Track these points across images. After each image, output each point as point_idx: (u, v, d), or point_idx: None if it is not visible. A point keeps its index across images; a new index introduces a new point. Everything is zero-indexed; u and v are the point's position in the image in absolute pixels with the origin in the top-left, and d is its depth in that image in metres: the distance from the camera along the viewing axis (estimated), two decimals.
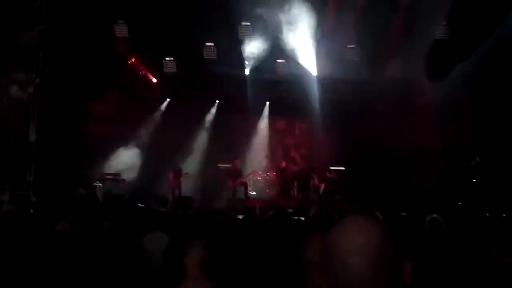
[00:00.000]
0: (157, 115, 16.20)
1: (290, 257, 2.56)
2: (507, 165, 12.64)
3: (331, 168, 14.93)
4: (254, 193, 15.52)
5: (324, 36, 14.80)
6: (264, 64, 15.70)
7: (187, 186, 14.52)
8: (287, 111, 16.69)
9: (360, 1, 14.14)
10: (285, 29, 14.83)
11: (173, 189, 14.29)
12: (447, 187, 13.40)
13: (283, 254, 3.19)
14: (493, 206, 11.41)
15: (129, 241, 4.35)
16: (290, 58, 15.50)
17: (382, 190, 13.86)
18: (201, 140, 15.88)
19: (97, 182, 14.06)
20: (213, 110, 16.59)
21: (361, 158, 15.07)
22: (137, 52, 15.15)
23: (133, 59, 15.62)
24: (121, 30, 14.72)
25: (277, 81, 16.19)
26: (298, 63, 15.60)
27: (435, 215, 5.86)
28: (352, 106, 15.65)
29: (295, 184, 15.55)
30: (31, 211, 7.12)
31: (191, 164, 14.97)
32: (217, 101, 16.58)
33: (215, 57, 15.33)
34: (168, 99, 16.48)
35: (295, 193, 15.49)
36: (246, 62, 15.86)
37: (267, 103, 16.83)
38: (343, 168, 15.27)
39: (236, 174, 14.84)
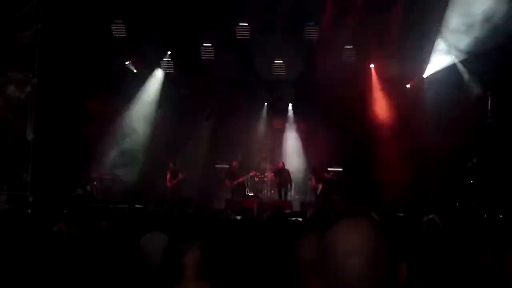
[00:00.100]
0: (155, 116, 16.17)
1: (288, 258, 2.56)
2: (504, 167, 12.66)
3: (329, 168, 14.94)
4: (252, 193, 15.52)
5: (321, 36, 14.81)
6: (262, 64, 15.71)
7: (185, 187, 14.50)
8: (285, 112, 16.69)
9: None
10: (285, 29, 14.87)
11: (171, 190, 14.28)
12: (445, 188, 13.42)
13: (280, 255, 3.19)
14: (490, 207, 11.45)
15: (127, 241, 4.35)
16: (288, 58, 15.52)
17: (379, 191, 13.90)
18: (199, 140, 15.86)
19: (95, 182, 14.03)
20: (212, 110, 16.56)
21: (359, 159, 15.08)
22: (135, 52, 15.11)
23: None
24: (118, 30, 14.71)
25: (276, 82, 16.19)
26: (296, 64, 15.62)
27: (432, 216, 5.88)
28: (350, 106, 15.68)
29: (292, 184, 15.55)
30: (28, 211, 7.12)
31: (189, 165, 14.94)
32: (216, 102, 16.56)
33: (213, 57, 15.35)
34: (166, 99, 16.44)
35: (293, 193, 15.49)
36: (244, 63, 15.85)
37: (265, 103, 16.83)
38: (340, 169, 15.28)
39: (234, 174, 14.84)
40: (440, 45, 14.34)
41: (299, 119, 16.84)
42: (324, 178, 14.44)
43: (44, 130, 12.93)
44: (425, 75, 15.07)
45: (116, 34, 14.71)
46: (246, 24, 14.84)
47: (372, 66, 15.69)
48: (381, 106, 15.32)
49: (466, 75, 14.33)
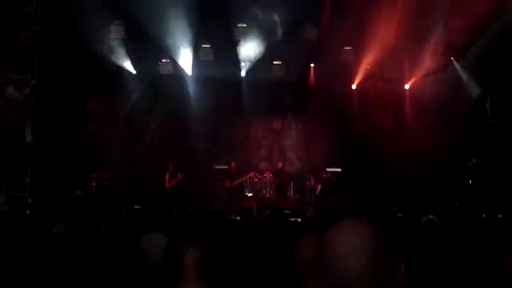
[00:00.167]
0: (154, 116, 16.16)
1: (287, 258, 2.57)
2: (503, 167, 12.69)
3: (328, 169, 14.95)
4: (251, 194, 15.53)
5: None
6: (261, 65, 15.72)
7: (184, 187, 14.49)
8: (283, 112, 16.69)
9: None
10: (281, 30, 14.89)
11: (170, 190, 14.27)
12: (444, 188, 13.44)
13: (279, 255, 3.20)
14: (489, 207, 11.47)
15: (126, 242, 4.35)
16: (287, 59, 15.54)
17: (379, 191, 13.90)
18: (198, 141, 15.85)
19: (94, 183, 14.02)
20: (211, 111, 16.55)
21: (358, 159, 15.10)
22: (134, 53, 15.11)
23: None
24: (117, 31, 14.71)
25: (274, 82, 16.20)
26: (295, 65, 15.64)
27: (431, 216, 5.88)
28: (348, 106, 15.70)
29: (292, 185, 15.56)
30: (27, 212, 7.11)
31: (188, 165, 14.93)
32: (214, 102, 16.55)
33: (212, 58, 15.36)
34: (165, 100, 16.42)
35: (291, 194, 15.50)
36: (242, 64, 15.88)
37: (264, 104, 16.82)
38: (339, 170, 15.30)
39: (233, 175, 14.84)
40: (439, 45, 14.37)
41: (298, 119, 16.85)
42: (323, 179, 14.44)
43: (43, 131, 12.92)
44: (424, 75, 15.10)
45: (115, 35, 14.72)
46: (245, 25, 14.85)
47: (370, 66, 15.69)
48: (380, 107, 15.32)
49: (465, 75, 14.36)
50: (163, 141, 15.19)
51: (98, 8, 13.56)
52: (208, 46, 15.37)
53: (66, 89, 13.35)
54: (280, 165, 15.25)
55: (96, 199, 13.37)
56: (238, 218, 6.79)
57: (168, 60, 15.71)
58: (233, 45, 15.28)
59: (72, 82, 13.54)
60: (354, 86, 15.90)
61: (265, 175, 15.68)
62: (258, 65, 15.79)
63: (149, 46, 14.89)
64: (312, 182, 14.51)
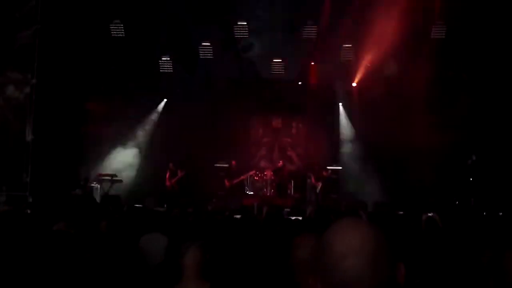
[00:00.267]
0: (154, 115, 16.17)
1: (286, 257, 2.57)
2: (503, 164, 12.68)
3: (328, 167, 14.95)
4: (251, 192, 15.55)
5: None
6: (260, 63, 15.72)
7: (184, 186, 14.51)
8: (283, 110, 16.69)
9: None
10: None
11: (170, 189, 14.29)
12: (444, 186, 13.44)
13: (279, 254, 3.20)
14: (489, 205, 11.47)
15: (126, 241, 4.35)
16: (287, 57, 15.53)
17: (379, 189, 13.91)
18: (198, 139, 15.86)
19: (94, 182, 14.03)
20: (210, 110, 16.56)
21: (359, 157, 15.12)
22: (133, 52, 15.10)
23: None
24: (116, 30, 14.71)
25: (274, 80, 16.19)
26: (295, 63, 15.64)
27: (431, 214, 5.89)
28: (348, 105, 15.72)
29: (292, 183, 15.57)
30: (28, 212, 7.12)
31: (188, 164, 14.94)
32: (214, 101, 16.56)
33: (212, 56, 15.35)
34: (165, 99, 16.44)
35: (292, 192, 15.51)
36: (242, 62, 15.88)
37: (264, 102, 16.82)
38: (340, 167, 15.30)
39: (233, 173, 14.85)
40: (439, 44, 14.35)
41: (298, 118, 16.85)
42: (324, 177, 14.44)
43: (43, 131, 12.93)
44: (424, 74, 15.07)
45: (114, 34, 14.72)
46: (245, 23, 14.84)
47: (370, 64, 15.67)
48: (380, 104, 15.30)
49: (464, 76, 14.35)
50: (163, 141, 15.18)
51: (98, 7, 13.55)
52: (208, 44, 15.36)
53: (66, 89, 13.35)
54: (280, 163, 15.27)
55: (96, 198, 13.37)
56: (239, 217, 6.78)
57: (168, 58, 15.70)
58: (233, 43, 15.26)
59: (72, 82, 13.54)
60: (354, 84, 15.88)
61: (265, 173, 15.69)
62: (258, 63, 15.77)
63: (148, 45, 14.89)
64: (313, 180, 14.52)
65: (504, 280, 2.38)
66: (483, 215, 9.89)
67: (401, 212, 9.32)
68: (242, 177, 14.93)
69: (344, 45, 15.00)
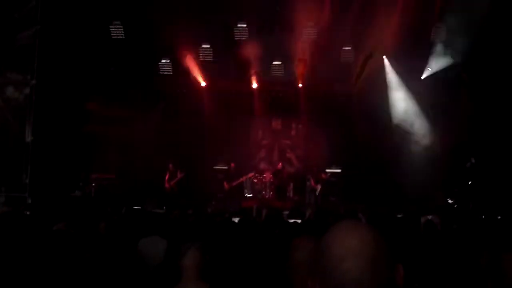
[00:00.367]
0: (154, 116, 16.17)
1: (285, 259, 2.57)
2: (503, 167, 12.69)
3: (327, 169, 14.95)
4: (251, 194, 15.54)
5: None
6: (260, 65, 15.73)
7: (183, 188, 14.50)
8: (283, 112, 16.70)
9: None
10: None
11: (169, 191, 14.29)
12: (443, 189, 13.44)
13: (279, 256, 3.21)
14: (488, 208, 11.46)
15: (125, 243, 4.35)
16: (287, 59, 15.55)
17: (378, 192, 13.91)
18: (198, 141, 15.87)
19: (93, 184, 14.02)
20: (210, 111, 16.56)
21: (357, 159, 15.12)
22: (133, 53, 15.10)
23: None
24: (116, 31, 14.72)
25: (273, 82, 16.21)
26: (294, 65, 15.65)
27: (430, 217, 5.90)
28: (348, 107, 15.71)
29: (291, 185, 15.57)
30: (27, 213, 7.12)
31: (187, 166, 14.94)
32: (214, 102, 16.56)
33: (211, 58, 15.37)
34: (164, 100, 16.43)
35: (291, 194, 15.50)
36: (242, 64, 15.88)
37: (263, 104, 16.81)
38: (339, 170, 15.30)
39: (232, 175, 14.85)
40: (439, 46, 14.38)
41: (298, 120, 16.85)
42: (323, 179, 14.45)
43: (43, 132, 12.92)
44: (423, 76, 15.11)
45: (114, 35, 14.74)
46: (245, 25, 14.86)
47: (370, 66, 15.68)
48: (378, 107, 15.32)
49: (464, 76, 14.37)
50: (162, 142, 15.18)
51: (97, 8, 13.56)
52: (208, 46, 15.38)
53: (66, 89, 13.35)
54: (279, 165, 15.27)
55: (95, 199, 13.37)
56: (238, 219, 6.78)
57: (168, 60, 15.71)
58: (233, 45, 15.28)
59: (72, 82, 13.54)
60: (353, 86, 15.88)
61: (264, 175, 15.68)
62: (257, 65, 15.78)
63: (148, 46, 14.90)
64: (312, 183, 14.52)
65: (502, 282, 2.39)
66: (482, 218, 9.88)
67: (400, 215, 9.32)
68: (241, 179, 14.93)
69: (344, 48, 15.03)
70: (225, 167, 15.19)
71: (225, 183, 14.74)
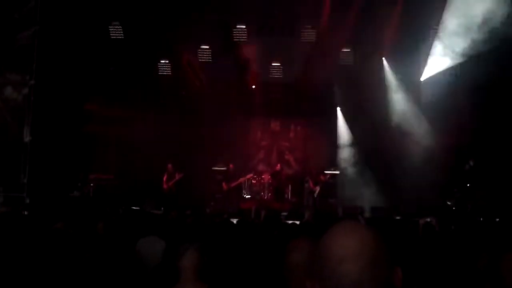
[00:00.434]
0: (152, 117, 16.15)
1: (283, 261, 2.57)
2: (501, 170, 12.69)
3: (326, 171, 14.95)
4: (249, 195, 15.53)
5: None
6: (259, 66, 15.74)
7: (182, 189, 14.49)
8: (281, 114, 16.71)
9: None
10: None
11: (167, 191, 14.27)
12: (441, 191, 13.44)
13: (277, 258, 3.20)
14: (486, 210, 11.47)
15: (124, 243, 4.35)
16: (286, 60, 15.56)
17: (377, 194, 13.92)
18: (196, 142, 15.87)
19: (91, 184, 14.01)
20: (210, 112, 16.55)
21: (356, 161, 15.12)
22: (132, 53, 15.10)
23: None
24: (115, 32, 14.73)
25: (272, 83, 16.22)
26: (293, 66, 15.66)
27: (428, 219, 5.90)
28: (348, 108, 15.73)
29: (290, 187, 15.57)
30: (25, 213, 7.12)
31: (186, 167, 14.93)
32: (214, 103, 16.56)
33: (210, 59, 15.38)
34: (163, 101, 16.42)
35: (289, 196, 15.50)
36: (241, 65, 15.90)
37: (262, 105, 16.82)
38: (337, 172, 15.30)
39: (231, 176, 14.84)
40: (438, 47, 14.39)
41: (297, 121, 16.87)
42: (321, 181, 14.44)
43: (41, 132, 12.90)
44: (423, 78, 15.12)
45: (113, 36, 14.74)
46: (244, 26, 14.87)
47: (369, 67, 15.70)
48: (378, 108, 15.34)
49: (464, 77, 14.38)
50: (161, 143, 15.16)
51: (97, 8, 13.56)
52: (207, 47, 15.39)
53: (65, 90, 13.33)
54: (278, 167, 15.26)
55: (94, 200, 13.36)
56: (236, 220, 6.78)
57: (167, 61, 15.71)
58: (232, 46, 15.29)
59: (71, 82, 13.53)
60: (352, 88, 15.88)
61: (263, 177, 15.69)
62: (256, 66, 15.80)
63: (147, 47, 14.91)
64: (311, 185, 14.50)
65: (501, 284, 2.39)
66: (480, 220, 9.89)
67: (399, 217, 9.33)
68: (239, 180, 14.92)
69: (343, 49, 15.05)
70: (224, 168, 15.18)
71: (223, 184, 14.73)
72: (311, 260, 1.49)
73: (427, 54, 14.66)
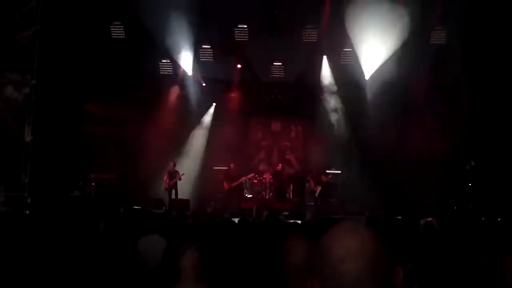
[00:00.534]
0: (153, 116, 16.17)
1: (283, 260, 2.57)
2: (502, 170, 12.68)
3: (327, 171, 14.94)
4: (250, 195, 15.54)
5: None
6: (260, 66, 15.75)
7: (183, 188, 14.50)
8: (283, 114, 16.71)
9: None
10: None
11: (169, 191, 14.27)
12: (442, 191, 13.44)
13: (277, 258, 3.20)
14: (488, 210, 11.46)
15: (124, 243, 4.35)
16: (287, 60, 15.56)
17: (377, 194, 13.90)
18: (198, 142, 15.87)
19: (92, 183, 14.02)
20: (210, 112, 16.58)
21: (357, 161, 15.12)
22: (133, 53, 15.10)
23: None
24: (117, 32, 14.74)
25: (273, 84, 16.22)
26: (294, 66, 15.66)
27: (429, 219, 5.89)
28: (348, 108, 15.72)
29: (291, 187, 15.57)
30: (26, 212, 7.12)
31: (187, 166, 14.94)
32: (214, 104, 16.58)
33: (211, 59, 15.38)
34: (164, 101, 16.44)
35: (291, 196, 15.50)
36: (242, 65, 15.91)
37: (263, 105, 16.84)
38: (339, 172, 15.29)
39: (232, 176, 14.84)
40: (438, 48, 14.38)
41: (298, 121, 16.86)
42: (323, 181, 14.43)
43: (42, 131, 12.91)
44: (422, 77, 15.10)
45: (114, 35, 14.75)
46: (245, 26, 14.87)
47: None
48: (379, 108, 15.32)
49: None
50: (161, 142, 15.17)
51: (98, 8, 13.56)
52: (208, 47, 15.39)
53: (66, 89, 13.34)
54: (279, 166, 15.26)
55: (94, 199, 13.37)
56: (237, 220, 6.78)
57: (168, 61, 15.71)
58: (233, 46, 15.29)
59: (71, 83, 13.54)
60: (352, 88, 15.87)
61: (264, 176, 15.69)
62: (257, 66, 15.80)
63: (149, 47, 14.90)
64: (312, 184, 14.49)
65: (501, 284, 2.39)
66: (481, 221, 9.89)
67: (399, 217, 9.32)
68: (240, 180, 14.92)
69: (344, 49, 15.04)
70: (225, 168, 15.19)
71: (224, 184, 14.73)
72: (311, 260, 1.49)
73: (427, 55, 14.64)
